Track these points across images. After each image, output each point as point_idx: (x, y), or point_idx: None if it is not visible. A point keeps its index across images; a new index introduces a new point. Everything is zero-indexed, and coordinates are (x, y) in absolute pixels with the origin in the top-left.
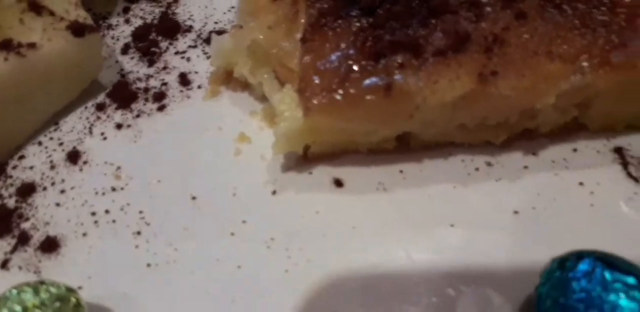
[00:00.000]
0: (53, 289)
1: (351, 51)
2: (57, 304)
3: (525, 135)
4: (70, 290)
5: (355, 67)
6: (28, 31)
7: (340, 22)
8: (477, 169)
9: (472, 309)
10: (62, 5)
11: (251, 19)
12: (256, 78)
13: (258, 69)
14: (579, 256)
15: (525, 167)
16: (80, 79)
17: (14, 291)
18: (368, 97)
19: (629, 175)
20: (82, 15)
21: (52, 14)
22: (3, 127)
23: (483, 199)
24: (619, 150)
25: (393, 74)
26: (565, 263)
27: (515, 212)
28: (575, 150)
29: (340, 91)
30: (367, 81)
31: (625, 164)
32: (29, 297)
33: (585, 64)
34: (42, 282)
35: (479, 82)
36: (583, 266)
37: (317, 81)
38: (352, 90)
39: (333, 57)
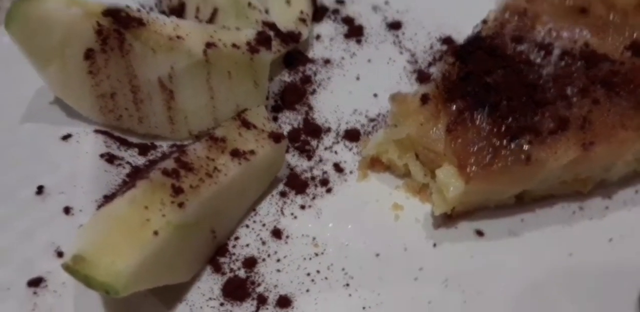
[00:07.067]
0: None
1: (491, 136)
2: None
3: (601, 185)
4: None
5: (499, 147)
6: (245, 141)
7: (476, 116)
8: (573, 213)
9: None
10: (261, 121)
11: (404, 119)
12: (402, 161)
13: (403, 155)
14: None
15: (607, 207)
16: (271, 174)
17: None
18: (514, 167)
19: None
20: (273, 127)
21: (255, 127)
22: (230, 214)
23: (589, 232)
24: None
25: (527, 149)
26: None
27: (610, 240)
28: (636, 192)
29: (494, 164)
30: (512, 155)
31: None
32: None
33: None
34: None
35: (583, 149)
36: None
37: (471, 159)
38: (501, 163)
39: (477, 141)
